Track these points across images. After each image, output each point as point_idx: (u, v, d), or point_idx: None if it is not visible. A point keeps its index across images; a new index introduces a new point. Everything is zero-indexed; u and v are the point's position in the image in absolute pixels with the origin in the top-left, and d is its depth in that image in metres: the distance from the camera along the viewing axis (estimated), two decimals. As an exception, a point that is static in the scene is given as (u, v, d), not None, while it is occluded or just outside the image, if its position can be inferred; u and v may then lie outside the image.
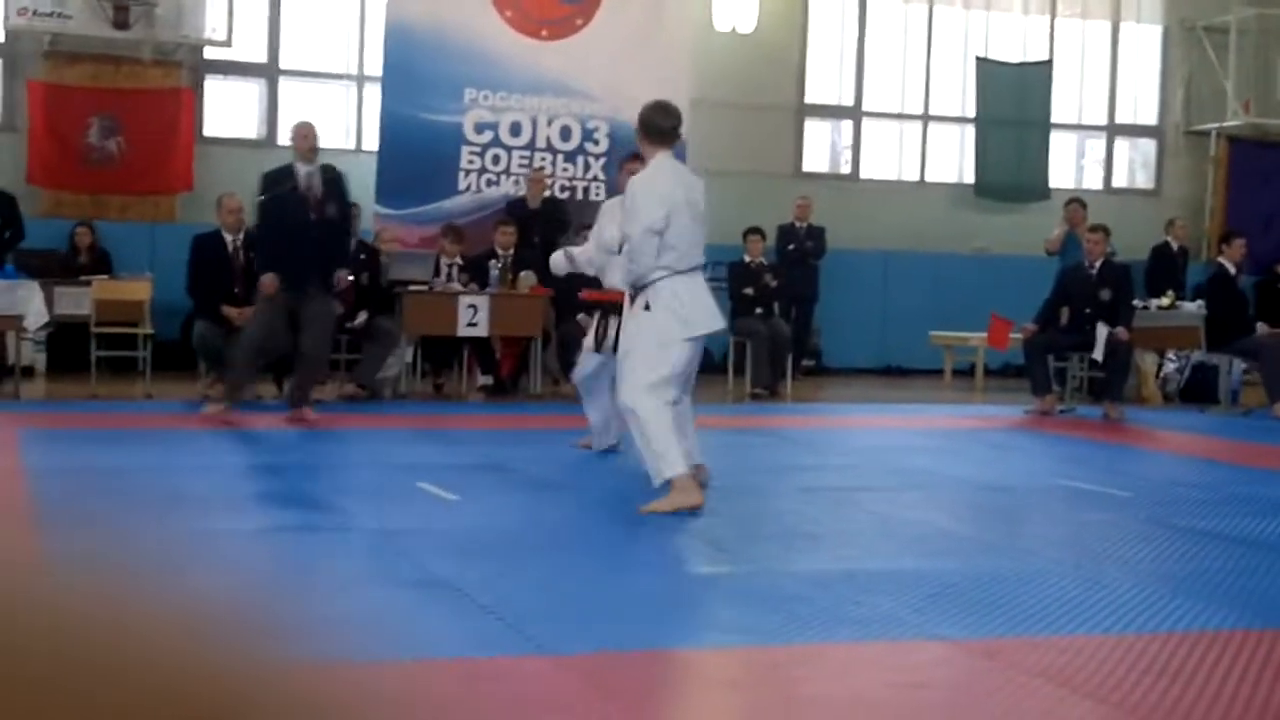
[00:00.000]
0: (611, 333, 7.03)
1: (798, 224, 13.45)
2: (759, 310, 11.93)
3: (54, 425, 7.87)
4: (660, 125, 6.22)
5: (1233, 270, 11.86)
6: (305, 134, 8.78)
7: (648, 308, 6.03)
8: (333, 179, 8.87)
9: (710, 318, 6.16)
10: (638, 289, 6.09)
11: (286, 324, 8.73)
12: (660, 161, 6.20)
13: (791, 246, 13.30)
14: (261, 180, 8.94)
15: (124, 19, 12.31)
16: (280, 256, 8.62)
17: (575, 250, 7.82)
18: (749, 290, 12.00)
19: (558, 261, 7.83)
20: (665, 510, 5.74)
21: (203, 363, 10.32)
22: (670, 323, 5.98)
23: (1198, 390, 12.46)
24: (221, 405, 8.65)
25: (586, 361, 7.46)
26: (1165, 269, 13.39)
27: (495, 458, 7.29)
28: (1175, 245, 13.98)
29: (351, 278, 9.94)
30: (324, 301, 8.80)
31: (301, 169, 8.71)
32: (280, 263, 8.60)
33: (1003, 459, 8.41)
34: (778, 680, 3.53)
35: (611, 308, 7.03)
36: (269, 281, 8.63)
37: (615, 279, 6.86)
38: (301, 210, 8.60)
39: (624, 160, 7.39)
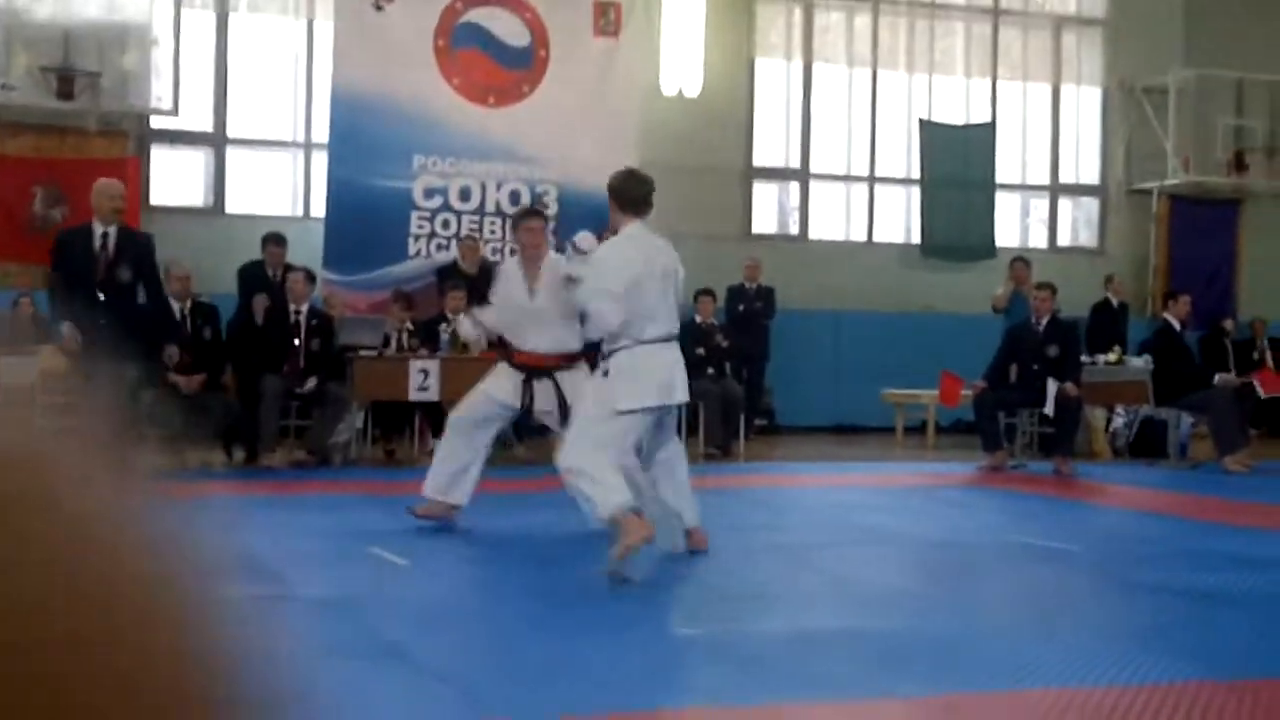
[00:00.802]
0: (540, 398, 7.01)
1: (747, 285, 13.52)
2: (710, 370, 11.96)
3: None
4: (632, 193, 6.20)
5: (1178, 326, 12.02)
6: (115, 194, 8.61)
7: (606, 374, 6.05)
8: (129, 243, 8.67)
9: (665, 390, 6.09)
10: (603, 356, 6.13)
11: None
12: (630, 230, 6.18)
13: (742, 307, 13.37)
14: (58, 238, 8.92)
15: (68, 89, 12.26)
16: (73, 313, 8.29)
17: (480, 313, 7.49)
18: (700, 351, 12.02)
19: (466, 328, 7.68)
20: (620, 556, 5.61)
21: (151, 430, 10.22)
22: (623, 392, 5.95)
23: (1146, 444, 12.56)
24: None
25: (477, 408, 7.09)
26: (1106, 325, 13.56)
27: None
28: (1115, 301, 14.17)
29: (299, 344, 9.87)
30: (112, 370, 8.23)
31: (98, 229, 8.51)
32: (73, 319, 8.28)
33: (955, 515, 8.43)
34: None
35: (535, 371, 7.01)
36: (68, 333, 8.28)
37: (533, 341, 6.94)
38: (88, 270, 8.38)
39: (518, 218, 7.53)
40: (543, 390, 6.92)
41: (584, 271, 6.21)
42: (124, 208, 8.60)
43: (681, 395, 6.25)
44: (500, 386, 7.05)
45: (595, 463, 5.82)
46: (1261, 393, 12.38)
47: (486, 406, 7.07)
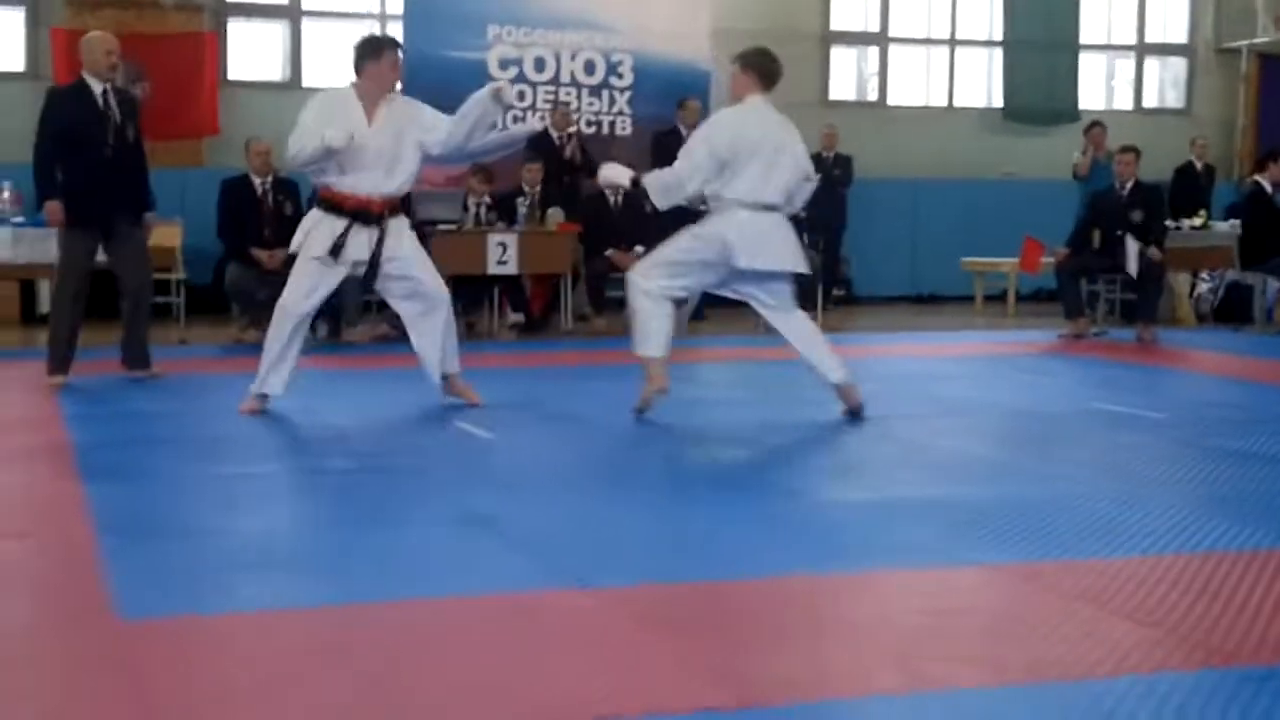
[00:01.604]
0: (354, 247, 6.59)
1: (824, 153, 13.34)
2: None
3: (89, 372, 7.91)
4: (766, 67, 6.51)
5: (1269, 189, 11.73)
6: (110, 48, 7.66)
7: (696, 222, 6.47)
8: (132, 100, 8.00)
9: (752, 255, 6.30)
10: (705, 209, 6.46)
11: (92, 264, 7.81)
12: (755, 102, 6.46)
13: (819, 175, 13.19)
14: (48, 96, 7.91)
15: (144, -36, 12.25)
16: (80, 185, 7.53)
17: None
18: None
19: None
20: (641, 404, 6.48)
21: (235, 306, 10.36)
22: (709, 239, 6.37)
23: (1232, 310, 12.37)
24: (57, 380, 7.59)
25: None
26: (1190, 188, 13.27)
27: (529, 394, 7.31)
28: (1199, 164, 13.85)
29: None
30: (137, 235, 7.88)
31: (96, 87, 7.62)
32: (77, 195, 7.53)
33: (1036, 384, 8.38)
34: (816, 608, 3.54)
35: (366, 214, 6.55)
36: (54, 210, 7.53)
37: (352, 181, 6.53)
38: (100, 133, 7.58)
39: (379, 49, 6.71)
40: (363, 239, 6.56)
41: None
42: (119, 63, 7.82)
43: (778, 263, 6.39)
44: (314, 259, 6.62)
45: (645, 303, 6.40)
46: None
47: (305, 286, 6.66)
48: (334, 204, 6.54)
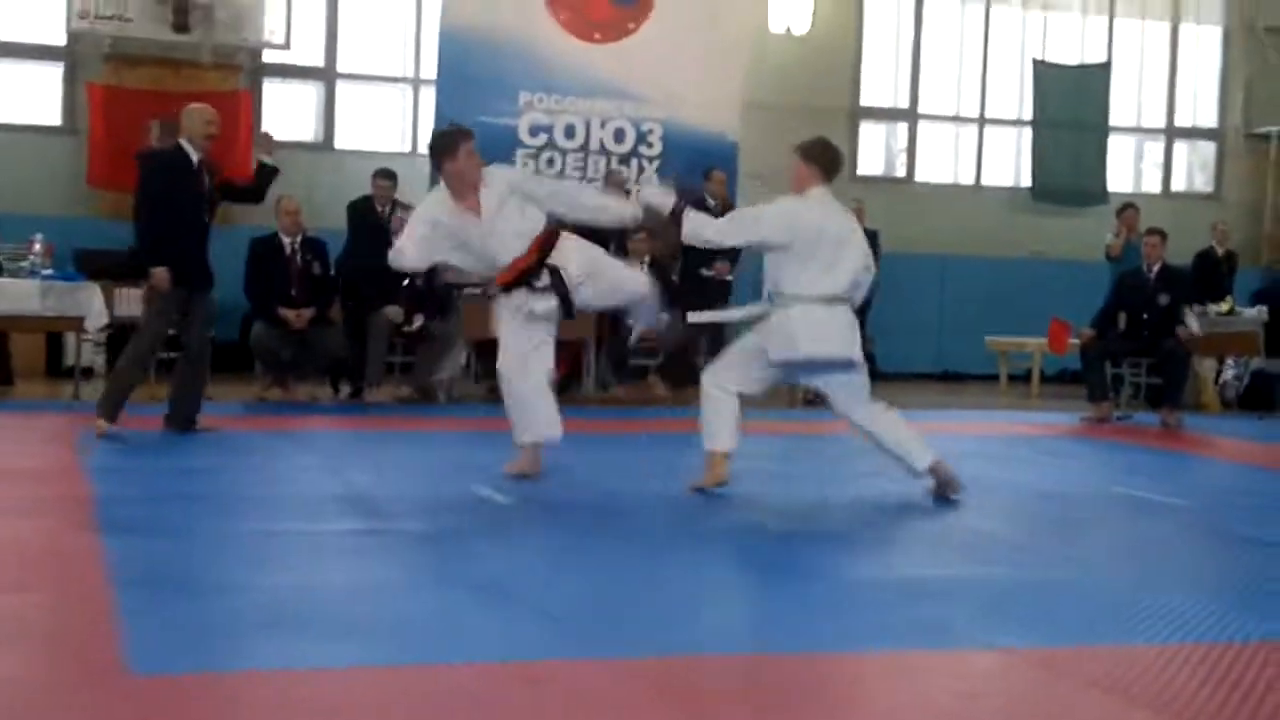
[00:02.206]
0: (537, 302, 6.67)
1: None
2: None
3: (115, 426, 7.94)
4: (829, 158, 6.55)
5: (1296, 274, 11.73)
6: (211, 119, 7.95)
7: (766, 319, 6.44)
8: (214, 170, 8.20)
9: (808, 343, 6.28)
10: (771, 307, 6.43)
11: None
12: (815, 193, 6.44)
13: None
14: (149, 159, 8.17)
15: (184, 22, 12.42)
16: (179, 250, 7.83)
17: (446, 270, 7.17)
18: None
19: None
20: (694, 488, 6.43)
21: (260, 364, 10.41)
22: (771, 335, 6.34)
23: (1257, 397, 12.31)
24: (105, 427, 7.71)
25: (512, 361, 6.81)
26: (1210, 273, 13.25)
27: (549, 460, 7.31)
28: (1220, 249, 13.84)
29: (406, 282, 10.00)
30: (210, 300, 8.21)
31: (194, 156, 7.89)
32: (178, 257, 7.81)
33: (1059, 466, 8.35)
34: (827, 687, 3.52)
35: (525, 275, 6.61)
36: (163, 276, 7.76)
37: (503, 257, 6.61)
38: (199, 200, 7.94)
39: (452, 144, 6.64)
40: (537, 296, 6.64)
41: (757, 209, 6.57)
42: (217, 134, 8.13)
43: (832, 350, 6.35)
44: (515, 322, 6.73)
45: (715, 393, 6.46)
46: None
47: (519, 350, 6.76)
48: (502, 287, 6.68)
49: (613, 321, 11.34)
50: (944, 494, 6.44)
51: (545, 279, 6.55)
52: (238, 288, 10.56)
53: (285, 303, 10.09)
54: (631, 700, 3.30)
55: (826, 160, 6.52)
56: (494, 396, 10.92)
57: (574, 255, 6.68)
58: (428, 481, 6.71)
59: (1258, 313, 12.09)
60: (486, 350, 11.10)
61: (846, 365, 6.42)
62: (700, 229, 6.44)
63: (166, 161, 7.98)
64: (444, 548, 5.12)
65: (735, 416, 6.45)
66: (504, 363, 6.73)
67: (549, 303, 6.62)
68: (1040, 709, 3.33)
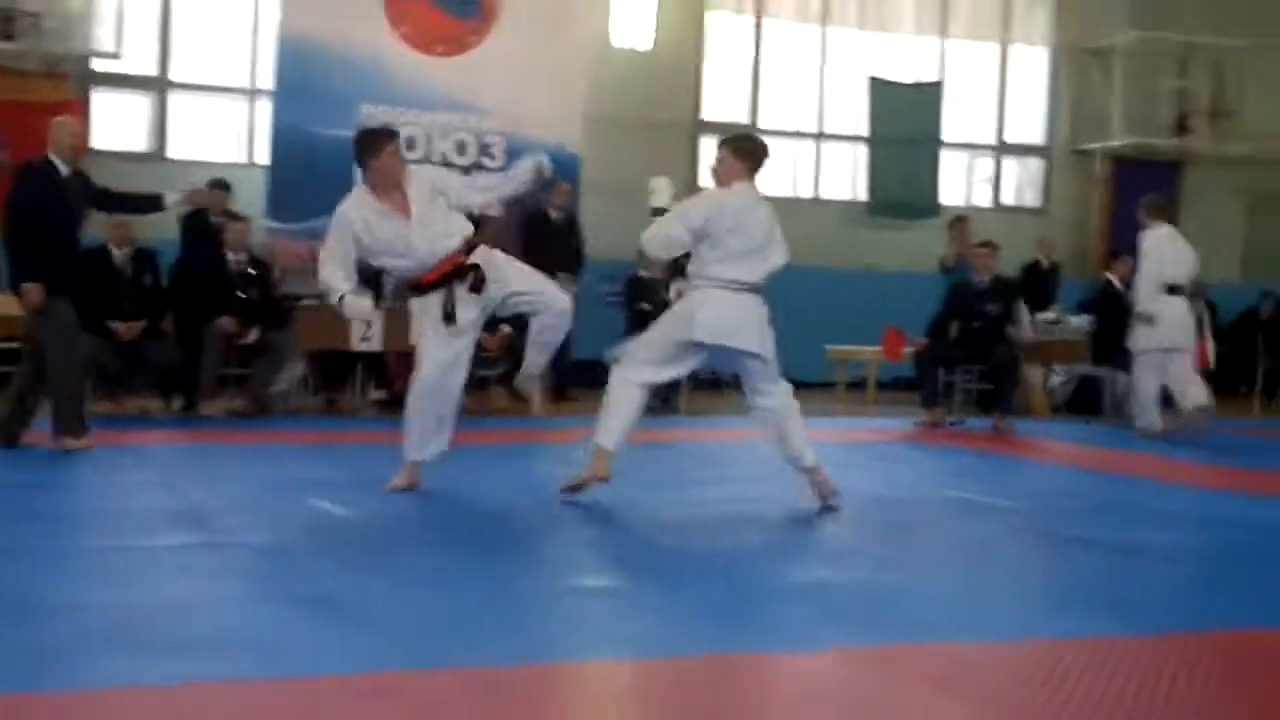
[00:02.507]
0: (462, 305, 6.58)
1: None
2: (655, 325, 11.95)
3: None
4: (756, 153, 6.79)
5: (1119, 286, 12.13)
6: (73, 130, 8.00)
7: (677, 298, 6.71)
8: (87, 183, 8.09)
9: (721, 332, 6.42)
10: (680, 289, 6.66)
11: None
12: (739, 188, 6.61)
13: (679, 261, 13.15)
14: (21, 173, 7.98)
15: (9, 30, 12.07)
16: (48, 263, 7.69)
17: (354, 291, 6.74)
18: (645, 305, 12.03)
19: (356, 310, 6.72)
20: (574, 484, 6.47)
21: (89, 378, 10.11)
22: (680, 319, 6.52)
23: (1083, 402, 12.69)
24: (86, 443, 7.71)
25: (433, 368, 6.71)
26: (1036, 284, 13.64)
27: (388, 472, 7.22)
28: (1045, 261, 14.25)
29: (241, 294, 9.85)
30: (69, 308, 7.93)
31: (63, 169, 7.82)
32: (47, 270, 7.68)
33: (893, 471, 8.50)
34: (673, 691, 3.53)
35: (454, 274, 6.57)
36: (34, 291, 7.62)
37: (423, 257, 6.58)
38: (69, 213, 7.83)
39: (375, 143, 6.67)
40: (462, 297, 6.59)
41: (676, 205, 6.69)
42: (83, 146, 8.02)
43: (743, 342, 6.49)
44: (439, 332, 6.66)
45: (615, 389, 6.54)
46: (1196, 366, 12.48)
47: (441, 361, 6.68)
48: (420, 286, 6.59)
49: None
50: (824, 499, 6.52)
51: (470, 281, 6.53)
52: (66, 300, 10.27)
53: (116, 315, 9.83)
54: (471, 710, 3.27)
55: (753, 155, 6.73)
56: (331, 409, 10.84)
57: (497, 264, 6.69)
58: (263, 495, 6.58)
59: (1083, 321, 12.46)
60: (323, 362, 10.98)
61: (753, 357, 6.53)
62: (649, 239, 6.58)
63: (36, 175, 7.81)
64: (280, 562, 5.02)
65: (632, 419, 6.53)
66: (424, 375, 6.63)
67: (471, 311, 6.58)
68: (874, 708, 3.38)
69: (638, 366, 6.59)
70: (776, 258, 6.64)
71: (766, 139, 15.66)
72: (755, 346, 6.50)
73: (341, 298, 6.49)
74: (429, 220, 6.55)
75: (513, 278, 6.76)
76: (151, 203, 8.59)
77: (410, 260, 6.58)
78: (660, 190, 6.66)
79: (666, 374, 6.69)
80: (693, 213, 6.50)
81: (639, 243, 6.69)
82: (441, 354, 6.62)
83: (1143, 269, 10.94)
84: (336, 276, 6.51)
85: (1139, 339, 10.81)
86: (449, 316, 6.53)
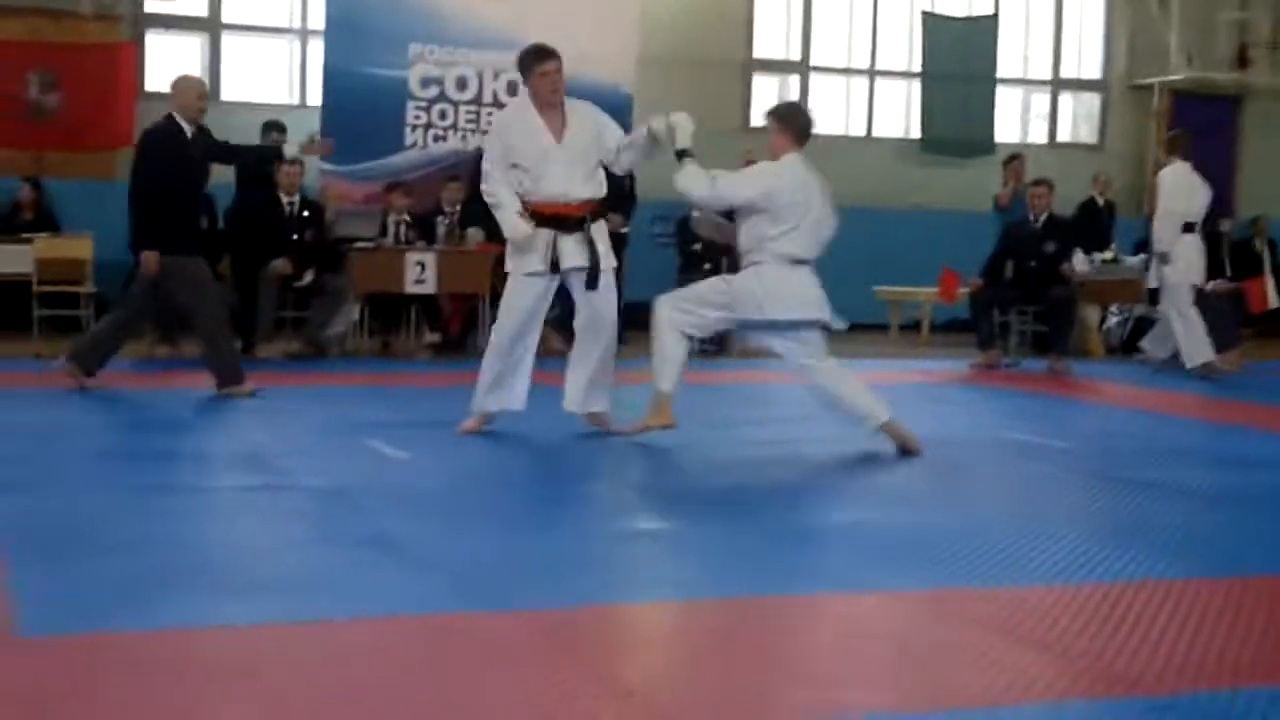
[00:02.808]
0: (570, 254, 6.57)
1: None
2: (707, 265, 11.94)
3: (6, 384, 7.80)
4: (801, 124, 6.75)
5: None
6: (201, 91, 8.07)
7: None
8: (210, 138, 8.13)
9: (786, 307, 6.45)
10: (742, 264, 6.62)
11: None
12: (790, 159, 6.63)
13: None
14: (146, 137, 8.09)
15: (64, -29, 12.12)
16: (173, 226, 7.83)
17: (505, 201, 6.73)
18: (696, 246, 12.01)
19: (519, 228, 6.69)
20: (637, 429, 6.55)
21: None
22: (742, 292, 6.50)
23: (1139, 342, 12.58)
24: (249, 388, 7.90)
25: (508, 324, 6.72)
26: (1092, 223, 13.49)
27: (444, 414, 7.27)
28: (1101, 199, 14.09)
29: (295, 236, 9.91)
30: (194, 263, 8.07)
31: (188, 129, 7.88)
32: (170, 235, 7.83)
33: (948, 413, 8.48)
34: (722, 630, 3.56)
35: (564, 223, 6.56)
36: (151, 260, 7.81)
37: (562, 185, 6.56)
38: (194, 174, 7.98)
39: (532, 60, 6.74)
40: (572, 246, 6.57)
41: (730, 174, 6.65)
42: (204, 104, 8.05)
43: (812, 312, 6.51)
44: (523, 283, 6.65)
45: (669, 335, 6.53)
46: (1249, 308, 12.37)
47: (518, 316, 6.69)
48: (539, 215, 6.55)
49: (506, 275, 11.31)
50: (908, 450, 6.51)
51: (581, 235, 6.54)
52: (124, 243, 10.35)
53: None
54: (523, 650, 3.32)
55: (798, 126, 6.70)
56: (386, 352, 10.91)
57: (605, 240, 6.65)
58: (321, 437, 6.65)
59: (1140, 261, 12.33)
60: (378, 304, 11.05)
61: (811, 325, 6.54)
62: (691, 186, 6.47)
63: (160, 139, 7.88)
64: (340, 503, 5.08)
65: (683, 361, 6.60)
66: (500, 324, 6.69)
67: (579, 259, 6.54)
68: (931, 650, 3.40)
69: (684, 317, 6.59)
70: (827, 230, 6.67)
71: (819, 76, 15.64)
72: (820, 314, 6.53)
73: (504, 216, 6.54)
74: (577, 155, 6.55)
75: (607, 286, 6.71)
76: (273, 153, 8.68)
77: (542, 187, 6.53)
78: (682, 129, 6.47)
79: (701, 326, 6.72)
80: (752, 186, 6.50)
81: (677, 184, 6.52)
82: (521, 303, 6.63)
83: (1161, 206, 10.80)
84: (501, 191, 6.54)
85: (1167, 276, 10.68)
86: (553, 264, 6.53)
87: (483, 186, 6.68)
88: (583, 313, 6.73)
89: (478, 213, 11.14)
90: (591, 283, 6.59)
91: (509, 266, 6.71)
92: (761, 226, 6.43)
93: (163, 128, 7.91)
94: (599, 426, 6.79)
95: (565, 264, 6.54)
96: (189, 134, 7.84)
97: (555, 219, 6.54)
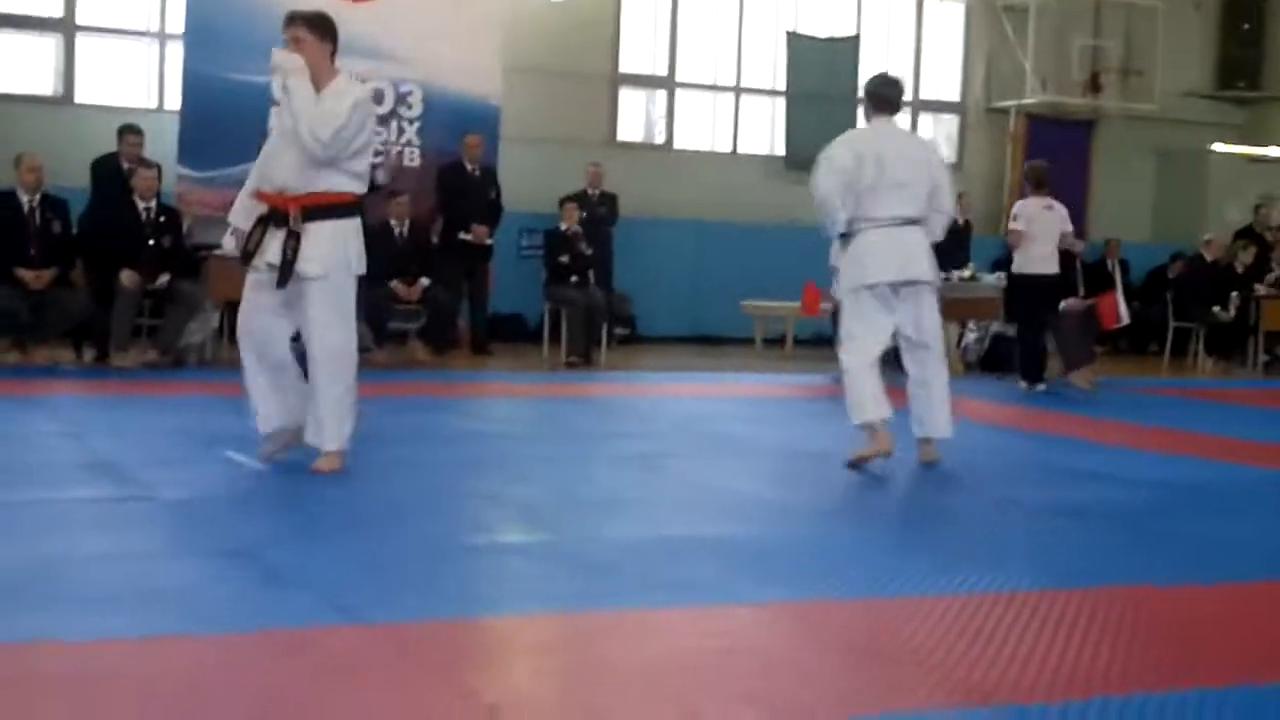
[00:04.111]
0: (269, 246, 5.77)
1: (590, 190, 13.35)
2: (574, 278, 11.93)
3: None
4: (887, 94, 6.72)
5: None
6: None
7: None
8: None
9: (883, 268, 6.42)
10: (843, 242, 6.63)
11: None
12: (880, 122, 6.70)
13: (585, 214, 13.05)
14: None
15: (-92, -33, 11.73)
16: None
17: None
18: (564, 258, 12.00)
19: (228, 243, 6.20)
20: (858, 457, 6.38)
21: (-4, 327, 9.93)
22: (851, 270, 6.53)
23: (997, 360, 12.84)
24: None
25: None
26: (950, 242, 13.71)
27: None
28: (960, 219, 14.34)
29: (152, 242, 9.69)
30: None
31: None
32: None
33: (812, 425, 8.55)
34: (587, 645, 3.54)
35: (272, 217, 5.83)
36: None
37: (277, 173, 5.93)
38: None
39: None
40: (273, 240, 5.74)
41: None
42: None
43: (916, 271, 6.49)
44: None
45: (850, 372, 6.45)
46: (1101, 326, 12.68)
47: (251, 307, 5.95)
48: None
49: (370, 284, 11.18)
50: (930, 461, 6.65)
51: (284, 232, 5.70)
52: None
53: (23, 263, 9.63)
54: (375, 663, 3.26)
55: (880, 94, 6.71)
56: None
57: (325, 246, 5.73)
58: (177, 447, 6.50)
59: (997, 279, 12.59)
60: (237, 311, 10.81)
61: (920, 284, 6.54)
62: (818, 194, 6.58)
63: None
64: (195, 515, 4.96)
65: (878, 384, 6.45)
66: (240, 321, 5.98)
67: (272, 256, 5.73)
68: (795, 662, 3.41)
69: (855, 344, 6.52)
70: (922, 188, 6.55)
71: (683, 93, 15.72)
72: (920, 274, 6.53)
73: None
74: (316, 123, 5.70)
75: (312, 301, 5.80)
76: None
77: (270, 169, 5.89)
78: None
79: (884, 339, 6.57)
80: (839, 152, 6.58)
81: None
82: (249, 302, 5.93)
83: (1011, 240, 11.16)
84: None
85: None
86: (246, 255, 5.80)
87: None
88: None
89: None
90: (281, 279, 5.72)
91: None
92: (855, 192, 6.49)
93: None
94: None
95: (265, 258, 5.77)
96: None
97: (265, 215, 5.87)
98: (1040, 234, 10.90)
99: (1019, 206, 11.28)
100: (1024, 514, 5.67)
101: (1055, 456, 7.52)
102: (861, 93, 6.90)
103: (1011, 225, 11.22)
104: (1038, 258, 10.93)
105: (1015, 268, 11.25)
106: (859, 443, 6.45)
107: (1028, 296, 11.13)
